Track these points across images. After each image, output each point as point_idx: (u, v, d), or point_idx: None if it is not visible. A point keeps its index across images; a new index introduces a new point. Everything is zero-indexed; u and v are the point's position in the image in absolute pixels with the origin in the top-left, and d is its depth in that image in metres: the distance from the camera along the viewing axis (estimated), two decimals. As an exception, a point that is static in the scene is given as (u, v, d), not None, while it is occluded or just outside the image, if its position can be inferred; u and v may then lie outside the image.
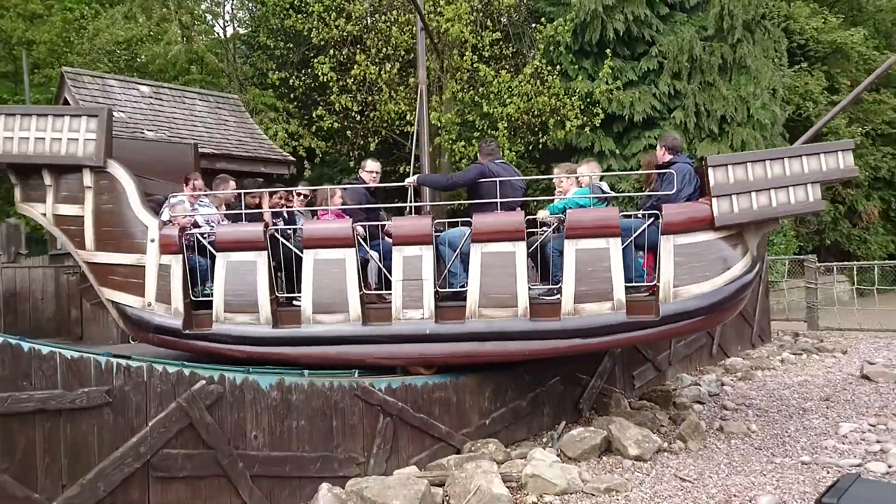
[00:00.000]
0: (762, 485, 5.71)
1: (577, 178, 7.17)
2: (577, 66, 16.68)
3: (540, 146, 16.53)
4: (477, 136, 16.26)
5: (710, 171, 6.37)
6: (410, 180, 7.54)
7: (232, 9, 20.03)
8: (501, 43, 16.61)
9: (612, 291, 6.23)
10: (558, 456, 6.43)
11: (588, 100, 16.09)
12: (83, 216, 6.92)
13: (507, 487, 5.50)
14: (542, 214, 7.08)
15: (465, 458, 6.04)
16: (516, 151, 16.27)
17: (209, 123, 11.47)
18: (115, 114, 10.21)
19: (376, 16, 16.90)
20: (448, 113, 16.04)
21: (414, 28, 15.57)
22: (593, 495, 5.58)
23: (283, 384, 5.41)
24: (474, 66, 15.66)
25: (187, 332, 6.57)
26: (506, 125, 15.70)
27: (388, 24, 16.00)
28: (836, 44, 20.70)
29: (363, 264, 6.74)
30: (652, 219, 6.44)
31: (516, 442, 6.97)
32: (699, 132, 16.38)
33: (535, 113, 15.90)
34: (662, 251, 6.26)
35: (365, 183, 7.74)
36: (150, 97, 11.07)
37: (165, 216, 6.82)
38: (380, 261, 6.93)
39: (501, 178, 6.73)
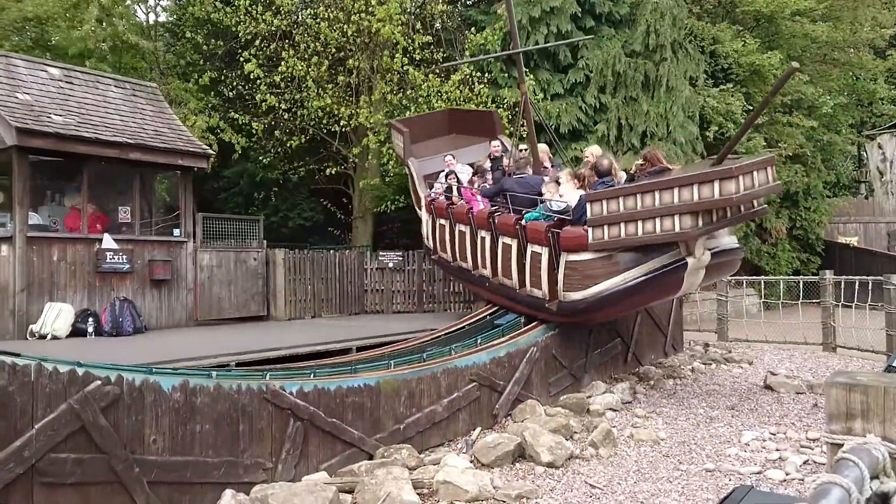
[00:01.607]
0: (668, 492, 5.83)
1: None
2: (506, 75, 16.83)
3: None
4: (405, 139, 16.15)
5: (587, 205, 7.85)
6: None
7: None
8: (433, 47, 16.61)
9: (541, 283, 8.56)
10: (471, 462, 6.41)
11: (515, 108, 16.25)
12: None
13: (419, 494, 5.42)
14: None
15: (376, 464, 5.93)
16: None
17: (123, 111, 10.96)
18: (18, 95, 9.63)
19: (305, 11, 16.61)
20: (377, 114, 15.90)
21: (343, 26, 15.40)
22: (504, 502, 5.56)
23: (188, 386, 5.16)
24: (404, 68, 15.58)
25: None
26: None
27: (318, 20, 15.74)
28: (755, 66, 21.66)
29: None
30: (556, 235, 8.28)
31: (431, 448, 6.91)
32: (621, 145, 16.78)
33: (464, 118, 15.93)
34: (559, 263, 8.12)
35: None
36: (60, 80, 10.49)
37: None
38: None
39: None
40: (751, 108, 21.34)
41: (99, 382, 4.66)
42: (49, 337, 9.00)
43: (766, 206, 7.28)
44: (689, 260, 7.55)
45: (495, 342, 8.57)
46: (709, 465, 6.55)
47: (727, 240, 8.28)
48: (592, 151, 9.77)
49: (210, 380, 5.41)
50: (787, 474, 6.24)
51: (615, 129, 16.64)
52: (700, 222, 7.24)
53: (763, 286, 16.74)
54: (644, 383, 10.38)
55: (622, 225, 7.64)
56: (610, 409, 8.64)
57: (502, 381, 7.91)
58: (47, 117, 9.55)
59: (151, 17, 19.59)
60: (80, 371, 4.62)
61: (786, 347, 14.30)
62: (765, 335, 14.98)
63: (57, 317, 9.13)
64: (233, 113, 16.58)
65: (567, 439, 7.09)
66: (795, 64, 6.66)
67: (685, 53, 18.05)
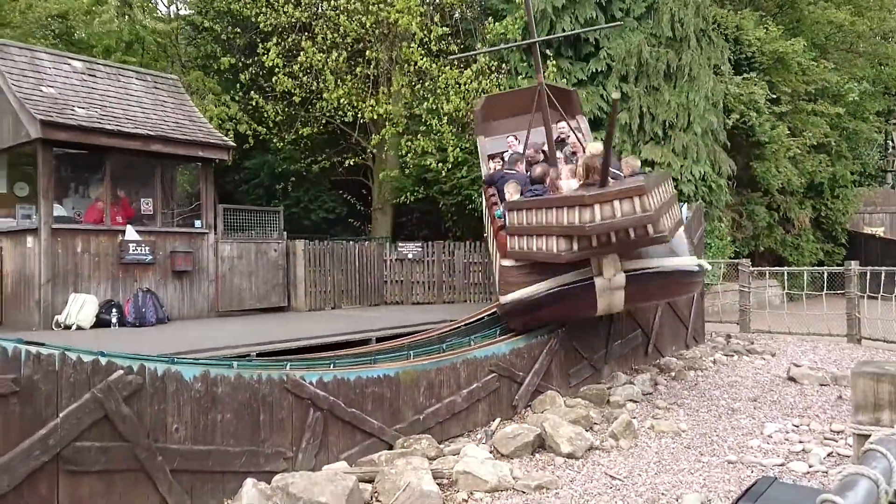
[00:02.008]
0: (689, 483, 5.79)
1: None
2: (525, 65, 16.72)
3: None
4: (423, 130, 16.15)
5: (506, 213, 8.11)
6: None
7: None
8: (450, 38, 16.53)
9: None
10: (491, 452, 6.41)
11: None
12: None
13: (438, 484, 5.43)
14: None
15: (396, 454, 5.96)
16: (463, 148, 16.22)
17: (145, 103, 11.04)
18: (42, 88, 9.74)
19: (325, 3, 16.60)
20: (395, 105, 15.89)
21: (363, 17, 15.37)
22: (524, 492, 5.56)
23: (209, 375, 5.21)
24: (422, 59, 15.53)
25: None
26: (447, 121, 15.64)
27: (338, 11, 15.73)
28: (778, 53, 21.32)
29: None
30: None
31: (450, 438, 6.92)
32: (643, 135, 16.63)
33: (483, 110, 15.86)
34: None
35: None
36: (83, 73, 10.59)
37: None
38: None
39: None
40: (774, 96, 21.05)
41: (122, 372, 4.71)
42: (74, 327, 9.12)
43: (665, 233, 6.75)
44: (597, 280, 7.24)
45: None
46: (731, 456, 6.49)
47: (675, 260, 7.64)
48: (590, 150, 9.79)
49: (231, 370, 5.45)
50: (810, 466, 6.17)
51: (637, 119, 16.49)
52: (574, 246, 6.96)
53: (786, 277, 16.51)
54: (665, 375, 10.31)
55: (527, 238, 7.66)
56: (630, 400, 8.59)
57: (522, 372, 7.89)
58: (71, 110, 9.65)
59: (173, 10, 19.71)
60: (104, 360, 4.67)
61: (809, 339, 14.12)
62: (788, 327, 14.80)
63: (81, 308, 9.25)
64: (252, 94, 16.62)
65: (587, 430, 7.06)
66: (616, 94, 6.58)
67: (708, 42, 17.81)
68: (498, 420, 7.36)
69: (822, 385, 9.53)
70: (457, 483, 5.65)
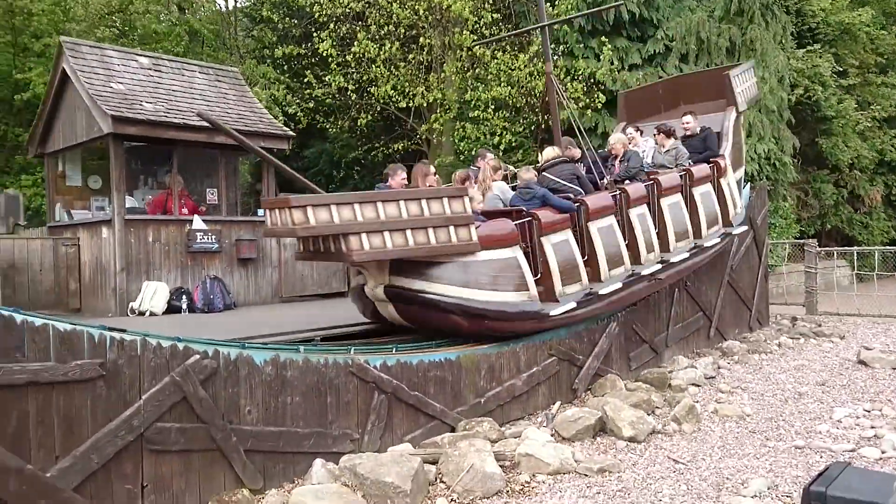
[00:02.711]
0: (755, 468, 5.73)
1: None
2: (583, 46, 16.49)
3: (542, 126, 16.41)
4: (475, 115, 16.13)
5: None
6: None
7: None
8: (501, 23, 16.40)
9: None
10: (552, 436, 6.46)
11: (591, 80, 15.93)
12: None
13: (500, 466, 5.52)
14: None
15: (458, 437, 6.06)
16: (517, 132, 16.15)
17: (209, 97, 11.37)
18: (112, 85, 10.13)
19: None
20: (448, 91, 15.91)
21: (416, 4, 15.39)
22: (586, 475, 5.60)
23: (278, 360, 5.40)
24: (472, 45, 15.48)
25: None
26: (497, 107, 15.58)
27: (391, 0, 15.80)
28: (844, 24, 20.46)
29: None
30: None
31: (511, 421, 6.99)
32: (705, 115, 16.27)
33: (537, 94, 15.75)
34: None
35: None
36: (150, 69, 10.96)
37: None
38: None
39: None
40: (840, 69, 20.23)
41: (198, 356, 4.93)
42: (147, 314, 9.53)
43: (348, 254, 6.20)
44: (366, 288, 7.03)
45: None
46: (798, 441, 6.38)
47: (454, 290, 6.70)
48: (617, 140, 10.02)
49: (298, 354, 5.64)
50: (882, 452, 6.01)
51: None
52: (301, 248, 6.92)
53: (856, 257, 15.95)
54: (728, 358, 10.16)
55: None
56: (693, 384, 8.51)
57: (581, 356, 7.90)
58: (139, 105, 10.02)
59: (230, 2, 20.16)
60: (181, 346, 4.89)
61: (881, 321, 13.65)
62: (857, 308, 14.33)
63: (154, 295, 9.65)
64: (307, 81, 16.88)
65: (648, 414, 7.04)
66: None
67: (772, 16, 17.23)
68: (558, 403, 7.40)
69: (894, 369, 9.23)
70: (519, 465, 5.72)
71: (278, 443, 5.33)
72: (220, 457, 5.03)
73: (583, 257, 7.91)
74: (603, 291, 7.91)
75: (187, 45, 16.98)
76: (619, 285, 8.14)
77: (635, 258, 8.57)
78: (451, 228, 6.56)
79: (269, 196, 11.50)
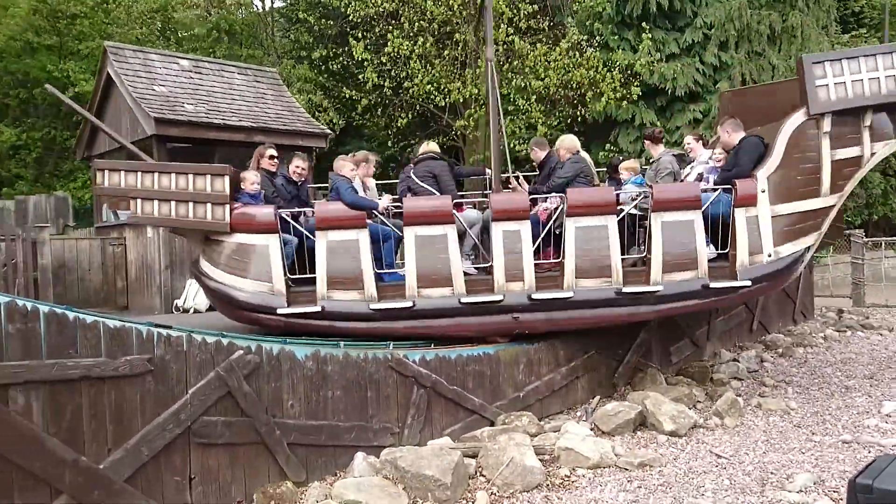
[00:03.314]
0: (800, 463, 5.63)
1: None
2: (618, 38, 16.32)
3: (579, 119, 16.30)
4: (512, 109, 16.08)
5: None
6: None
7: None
8: (538, 16, 16.32)
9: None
10: (592, 430, 6.44)
11: (628, 72, 15.76)
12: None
13: (540, 460, 5.53)
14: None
15: (498, 431, 6.09)
16: (553, 126, 16.06)
17: (247, 97, 11.57)
18: (155, 88, 10.37)
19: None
20: (483, 85, 15.87)
21: (450, 0, 15.40)
22: (627, 469, 5.57)
23: (319, 355, 5.49)
24: (509, 38, 15.44)
25: None
26: (536, 99, 15.50)
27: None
28: (893, 6, 19.86)
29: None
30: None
31: (550, 415, 6.99)
32: (746, 103, 15.97)
33: (573, 86, 15.65)
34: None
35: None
36: (190, 71, 11.19)
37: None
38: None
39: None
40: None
41: (241, 352, 5.04)
42: (192, 311, 9.75)
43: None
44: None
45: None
46: (845, 436, 6.24)
47: (229, 279, 6.74)
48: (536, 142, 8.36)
49: (338, 349, 5.73)
50: (934, 447, 5.85)
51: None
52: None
53: (905, 247, 15.49)
54: (772, 352, 9.97)
55: None
56: (735, 377, 8.39)
57: (621, 350, 7.84)
58: (181, 106, 10.24)
59: (267, 2, 20.44)
60: (225, 341, 5.01)
61: (932, 313, 13.25)
62: (907, 300, 13.93)
63: (198, 292, 9.86)
64: (341, 85, 17.06)
65: (690, 408, 6.97)
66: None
67: (815, 0, 16.82)
68: (598, 398, 7.36)
69: (946, 362, 8.96)
70: (559, 459, 5.73)
71: (320, 436, 5.43)
72: (265, 450, 5.15)
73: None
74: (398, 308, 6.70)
75: (227, 46, 17.30)
76: (435, 309, 6.73)
77: (485, 284, 6.93)
78: (209, 206, 6.67)
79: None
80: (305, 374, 5.40)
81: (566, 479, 5.45)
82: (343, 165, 7.17)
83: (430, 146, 7.91)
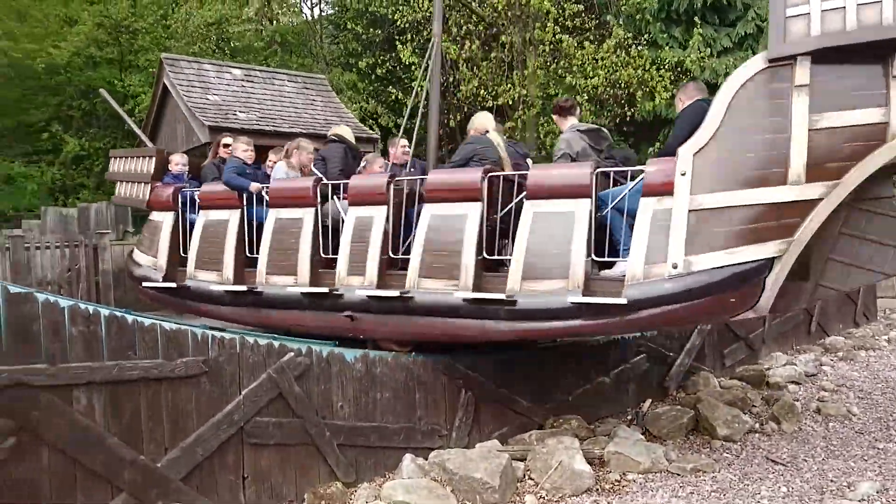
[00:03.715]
0: (862, 470, 5.44)
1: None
2: (666, 35, 16.03)
3: (628, 119, 16.08)
4: (560, 110, 15.97)
5: None
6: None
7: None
8: (584, 14, 16.17)
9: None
10: (643, 434, 6.34)
11: (679, 69, 15.47)
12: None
13: (589, 464, 5.47)
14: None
15: (546, 434, 6.05)
16: (602, 125, 15.89)
17: (297, 104, 11.76)
18: (208, 97, 10.64)
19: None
20: (530, 87, 15.83)
21: (496, 2, 15.39)
22: (679, 475, 5.47)
23: (368, 357, 5.55)
24: (557, 37, 15.33)
25: None
26: (587, 98, 15.35)
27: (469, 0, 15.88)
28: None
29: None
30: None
31: (599, 419, 6.91)
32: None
33: (621, 85, 15.44)
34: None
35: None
36: (242, 80, 11.45)
37: None
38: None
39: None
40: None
41: (292, 354, 5.14)
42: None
43: None
44: None
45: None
46: (910, 443, 6.01)
47: None
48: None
49: (387, 352, 5.78)
50: None
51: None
52: None
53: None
54: (831, 355, 9.66)
55: None
56: (792, 381, 8.16)
57: (672, 353, 7.71)
58: (233, 115, 10.48)
59: (316, 11, 20.79)
60: (276, 344, 5.11)
61: None
62: (979, 301, 13.30)
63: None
64: (391, 88, 17.20)
65: (745, 413, 6.80)
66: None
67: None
68: (649, 401, 7.25)
69: None
70: (608, 463, 5.66)
71: (369, 438, 5.49)
72: (315, 451, 5.22)
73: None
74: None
75: (280, 56, 17.69)
76: (279, 298, 6.24)
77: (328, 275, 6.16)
78: (143, 185, 7.56)
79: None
80: (354, 376, 5.46)
81: (616, 483, 5.38)
82: (237, 147, 7.25)
83: (337, 129, 7.62)
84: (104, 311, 4.50)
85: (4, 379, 3.99)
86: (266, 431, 5.00)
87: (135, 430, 4.51)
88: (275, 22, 18.51)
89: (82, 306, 4.43)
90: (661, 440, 6.31)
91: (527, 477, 5.46)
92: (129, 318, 4.56)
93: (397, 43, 16.46)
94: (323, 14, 20.99)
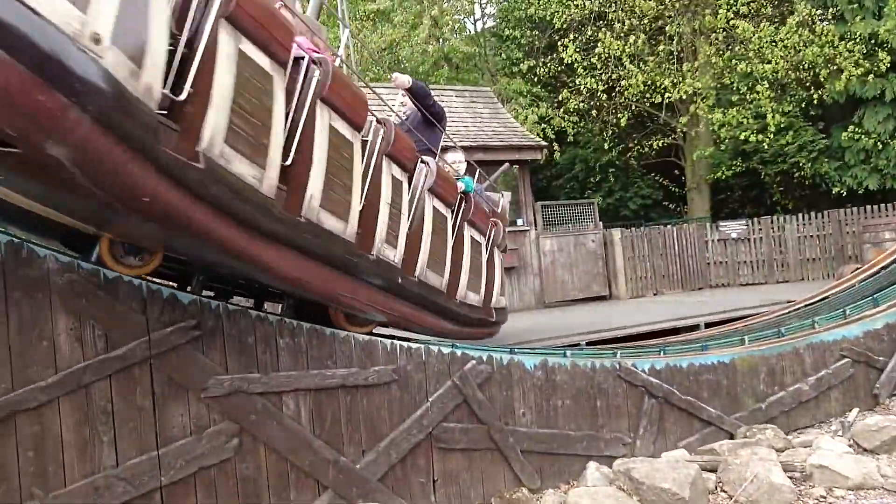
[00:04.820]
0: None
1: None
2: (856, 5, 14.60)
3: (815, 102, 14.85)
4: (736, 100, 15.10)
5: None
6: (404, 80, 5.91)
7: (481, 6, 20.91)
8: (759, -4, 15.18)
9: None
10: (850, 446, 5.83)
11: (873, 41, 14.03)
12: None
13: (789, 477, 5.13)
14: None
15: (739, 444, 5.75)
16: (786, 112, 14.78)
17: (465, 117, 12.13)
18: (379, 116, 11.28)
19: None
20: (703, 78, 15.10)
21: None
22: (896, 492, 4.97)
23: (547, 364, 5.61)
24: (730, 23, 14.50)
25: None
26: (767, 85, 14.35)
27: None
28: None
29: None
30: None
31: (798, 429, 6.45)
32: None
33: (806, 66, 14.29)
34: None
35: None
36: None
37: None
38: None
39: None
40: None
41: (474, 361, 5.32)
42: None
43: None
44: None
45: (869, 312, 7.60)
46: None
47: None
48: None
49: (565, 358, 5.80)
50: None
51: None
52: None
53: None
54: None
55: None
56: None
57: (882, 357, 7.01)
58: (406, 133, 11.04)
59: (479, 25, 21.27)
60: (458, 352, 5.33)
61: None
62: None
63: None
64: (555, 91, 17.16)
65: (976, 425, 6.01)
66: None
67: None
68: (856, 410, 6.64)
69: None
70: (811, 477, 5.27)
71: (552, 444, 5.53)
72: (500, 457, 5.36)
73: None
74: None
75: (447, 73, 18.32)
76: None
77: None
78: None
79: (527, 206, 11.92)
80: (535, 384, 5.54)
81: (822, 499, 5.00)
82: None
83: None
84: (305, 325, 4.94)
85: (228, 387, 4.51)
86: (453, 436, 5.21)
87: (335, 434, 4.90)
88: (442, 40, 19.19)
89: (287, 320, 4.89)
90: (873, 454, 5.75)
91: (718, 489, 5.23)
92: (328, 330, 4.97)
93: (559, 46, 16.43)
94: (486, 27, 21.42)
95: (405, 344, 5.13)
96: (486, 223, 6.41)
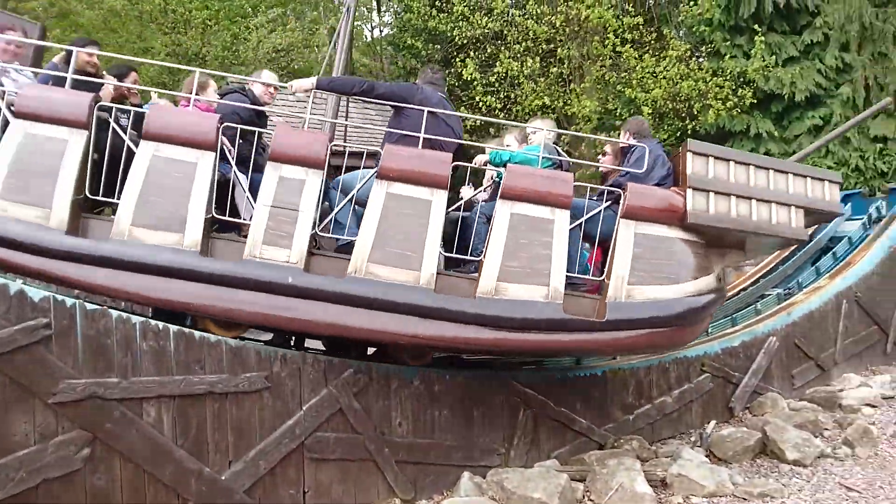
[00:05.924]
0: (944, 499, 5.16)
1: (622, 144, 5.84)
2: (730, 44, 15.72)
3: (689, 132, 15.80)
4: (619, 124, 15.81)
5: (688, 156, 5.34)
6: (305, 83, 5.46)
7: (379, 14, 20.84)
8: (642, 27, 16.03)
9: (548, 276, 4.95)
10: (707, 456, 6.17)
11: (741, 79, 15.13)
12: None
13: (651, 486, 5.35)
14: (466, 192, 5.95)
15: (607, 454, 5.95)
16: (662, 140, 15.64)
17: (354, 121, 11.99)
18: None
19: (514, 10, 16.86)
20: (589, 100, 15.73)
21: (552, 18, 15.39)
22: (745, 499, 5.30)
23: (427, 374, 5.58)
24: (616, 50, 15.21)
25: None
26: (650, 111, 15.15)
27: (527, 17, 15.91)
28: None
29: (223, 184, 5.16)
30: (610, 202, 5.30)
31: (662, 440, 6.76)
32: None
33: (682, 98, 15.20)
34: (620, 239, 5.11)
35: (252, 97, 5.79)
36: (303, 101, 11.76)
37: None
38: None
39: (435, 111, 5.34)
40: None
41: (352, 370, 5.21)
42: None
43: None
44: None
45: (728, 331, 8.13)
46: None
47: None
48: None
49: (444, 369, 5.80)
50: None
51: (862, 91, 14.85)
52: None
53: None
54: (910, 376, 9.18)
55: (733, 200, 5.49)
56: (867, 404, 7.78)
57: (737, 373, 7.49)
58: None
59: (376, 32, 21.21)
60: (336, 360, 5.20)
61: None
62: None
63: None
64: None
65: (816, 436, 6.53)
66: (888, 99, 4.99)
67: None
68: (713, 422, 7.05)
69: None
70: (671, 486, 5.52)
71: (428, 455, 5.50)
72: (374, 467, 5.27)
73: None
74: None
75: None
76: None
77: None
78: None
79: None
80: (413, 393, 5.49)
81: (679, 507, 5.24)
82: None
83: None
84: (172, 328, 4.66)
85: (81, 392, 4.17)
86: (326, 446, 5.08)
87: (201, 443, 4.65)
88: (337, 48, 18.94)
89: (152, 322, 4.60)
90: (727, 463, 6.12)
91: (586, 498, 5.37)
92: (197, 334, 4.71)
93: (456, 61, 16.60)
94: (382, 34, 21.38)
95: (280, 350, 4.95)
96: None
